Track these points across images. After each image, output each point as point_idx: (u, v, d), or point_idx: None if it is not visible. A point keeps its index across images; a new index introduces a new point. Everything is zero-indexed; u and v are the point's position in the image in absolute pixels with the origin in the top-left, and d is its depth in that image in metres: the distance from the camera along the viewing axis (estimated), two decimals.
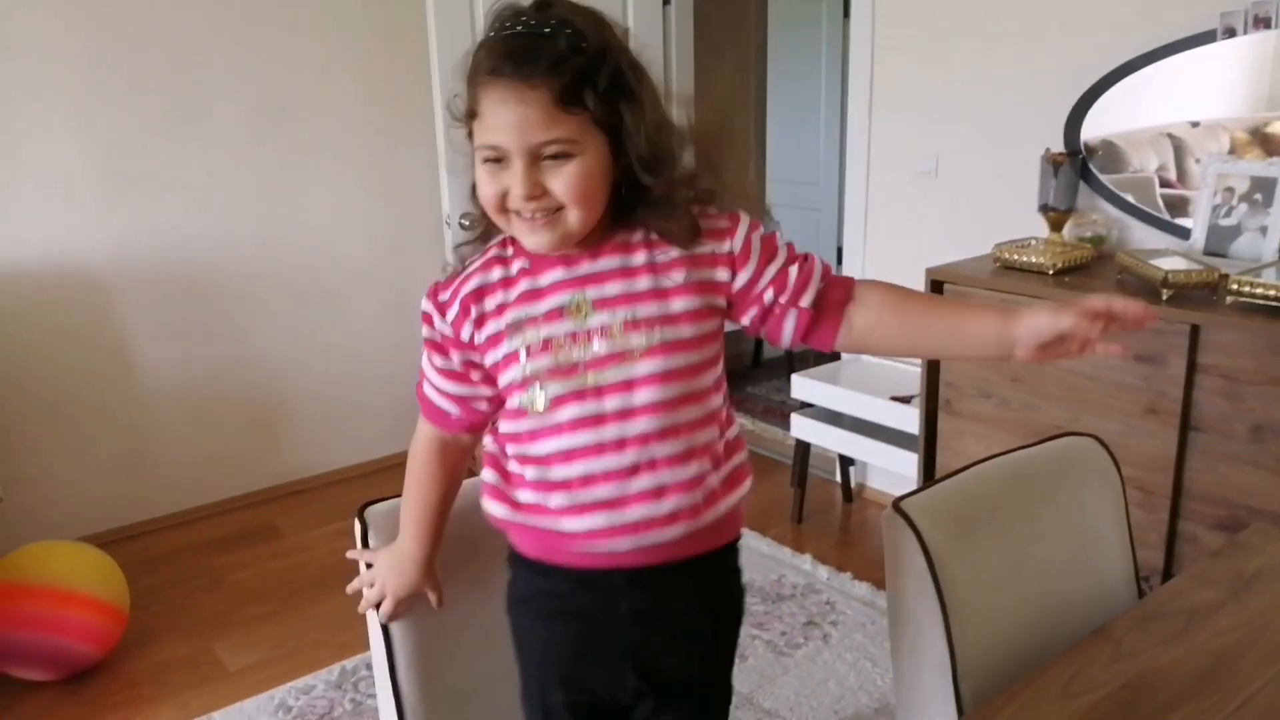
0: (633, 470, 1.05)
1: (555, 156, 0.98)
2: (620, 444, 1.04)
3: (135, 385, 3.00)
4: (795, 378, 3.04)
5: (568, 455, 1.06)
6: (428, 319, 1.12)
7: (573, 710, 1.16)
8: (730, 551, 1.18)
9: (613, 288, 1.05)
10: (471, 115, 1.01)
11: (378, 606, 1.23)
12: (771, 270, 1.06)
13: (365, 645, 1.35)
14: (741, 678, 2.23)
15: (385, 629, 1.28)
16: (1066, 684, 1.06)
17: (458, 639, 1.29)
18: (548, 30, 0.96)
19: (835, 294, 1.08)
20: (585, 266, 1.05)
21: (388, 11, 3.24)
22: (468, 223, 1.17)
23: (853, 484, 3.21)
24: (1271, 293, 1.91)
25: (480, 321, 1.08)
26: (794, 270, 1.07)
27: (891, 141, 2.99)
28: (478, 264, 1.10)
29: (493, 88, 0.97)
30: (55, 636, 2.20)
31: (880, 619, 2.45)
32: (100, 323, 2.92)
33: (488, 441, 1.17)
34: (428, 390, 1.17)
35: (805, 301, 1.06)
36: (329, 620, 2.53)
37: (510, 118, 0.96)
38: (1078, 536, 1.33)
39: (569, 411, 1.05)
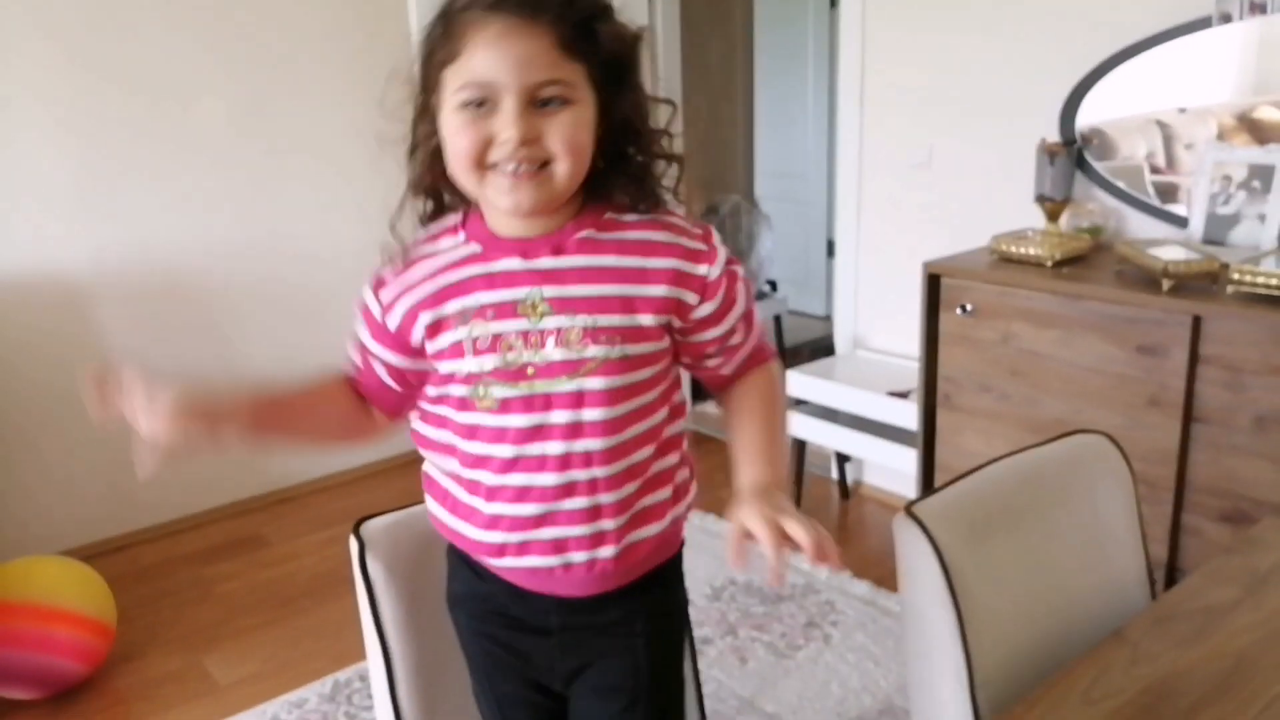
0: (569, 489, 0.99)
1: (551, 101, 0.91)
2: (564, 461, 0.98)
3: None
4: (791, 374, 3.00)
5: (509, 464, 0.99)
6: (367, 314, 1.05)
7: (526, 705, 1.14)
8: (668, 567, 1.12)
9: (575, 289, 0.96)
10: (448, 58, 0.93)
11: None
12: (728, 322, 1.03)
13: (358, 656, 1.31)
14: (743, 681, 2.20)
15: (384, 645, 1.23)
16: (1086, 690, 1.03)
17: (460, 654, 1.25)
18: None
19: (745, 366, 1.09)
20: (546, 262, 0.97)
21: (369, 8, 3.17)
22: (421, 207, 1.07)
23: (849, 481, 3.18)
24: (1273, 282, 1.89)
25: (435, 328, 1.00)
26: (738, 336, 1.05)
27: (883, 132, 2.96)
28: (424, 249, 1.02)
29: (491, 22, 0.89)
30: (41, 654, 2.15)
31: (881, 618, 2.42)
32: (81, 331, 2.85)
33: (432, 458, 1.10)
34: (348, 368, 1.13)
35: (727, 370, 1.08)
36: (320, 630, 2.48)
37: (510, 52, 0.89)
38: (1090, 537, 1.30)
39: (516, 420, 0.98)
